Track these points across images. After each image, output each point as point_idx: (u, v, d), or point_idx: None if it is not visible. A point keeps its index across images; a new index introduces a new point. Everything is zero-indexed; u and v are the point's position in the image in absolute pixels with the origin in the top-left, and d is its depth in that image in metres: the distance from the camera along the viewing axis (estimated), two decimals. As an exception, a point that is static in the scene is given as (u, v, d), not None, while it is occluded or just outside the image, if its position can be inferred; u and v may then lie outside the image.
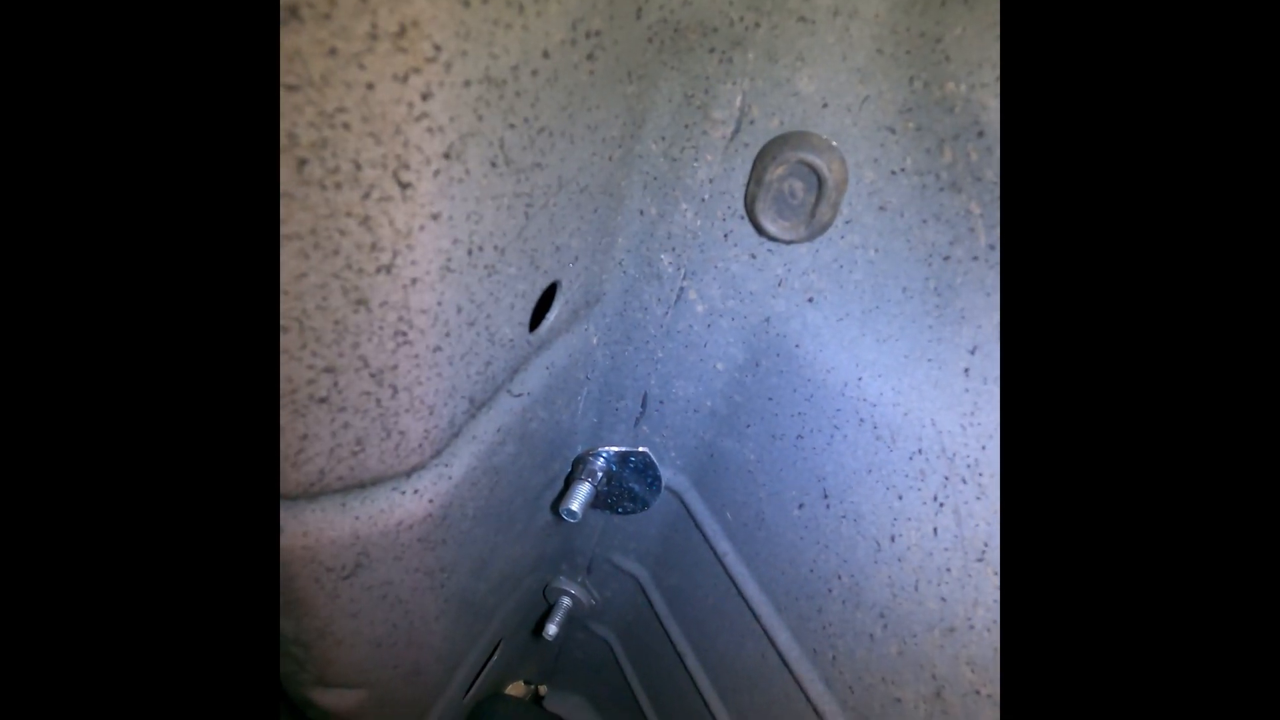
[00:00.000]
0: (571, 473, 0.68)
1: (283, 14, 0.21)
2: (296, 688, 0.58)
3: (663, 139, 0.45)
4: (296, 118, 0.23)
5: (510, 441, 0.52)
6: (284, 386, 0.31)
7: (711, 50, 0.41)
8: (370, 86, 0.23)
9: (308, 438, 0.33)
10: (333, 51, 0.22)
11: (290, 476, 0.35)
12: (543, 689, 1.15)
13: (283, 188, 0.24)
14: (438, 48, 0.24)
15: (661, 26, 0.39)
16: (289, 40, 0.21)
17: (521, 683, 1.13)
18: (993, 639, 0.41)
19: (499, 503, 0.57)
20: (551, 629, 0.85)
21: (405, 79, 0.24)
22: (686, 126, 0.44)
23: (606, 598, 0.88)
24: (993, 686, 0.41)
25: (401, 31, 0.23)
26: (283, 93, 0.22)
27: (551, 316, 0.48)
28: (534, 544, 0.74)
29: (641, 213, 0.49)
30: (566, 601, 0.88)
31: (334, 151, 0.24)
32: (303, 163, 0.24)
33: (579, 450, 0.68)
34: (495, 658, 0.89)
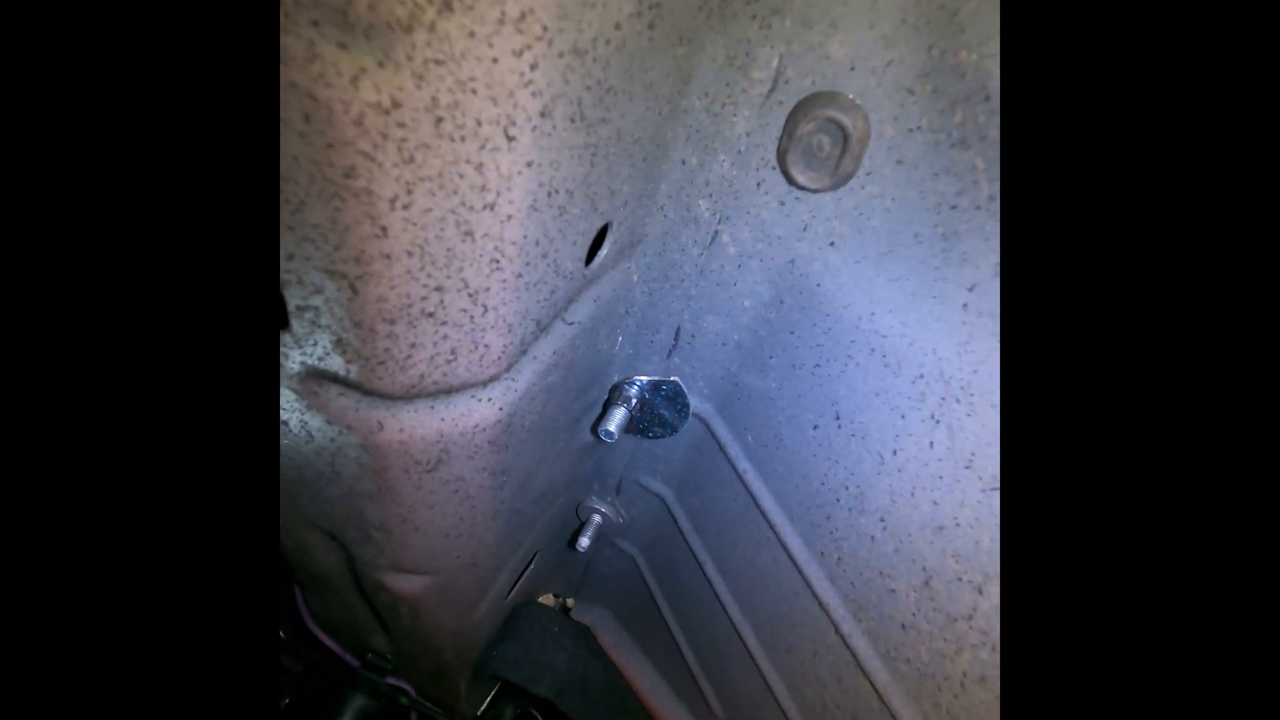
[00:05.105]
0: (609, 399, 0.76)
1: (438, 6, 0.27)
2: (372, 572, 0.68)
3: (706, 95, 0.51)
4: (439, 85, 0.29)
5: (561, 365, 0.59)
6: (402, 301, 0.38)
7: (753, 17, 0.46)
8: (495, 60, 0.29)
9: (415, 346, 0.41)
10: (471, 34, 0.28)
11: (397, 379, 0.43)
12: (570, 601, 1.26)
13: (422, 140, 0.31)
14: (545, 28, 0.30)
15: (711, -4, 0.44)
16: (442, 25, 0.27)
17: (551, 595, 1.24)
18: (974, 534, 0.48)
19: (548, 419, 0.65)
20: (584, 541, 0.94)
21: (520, 54, 0.30)
22: (728, 85, 0.50)
23: (633, 516, 0.97)
24: (972, 574, 0.49)
25: (522, 16, 0.29)
26: (429, 66, 0.29)
27: (603, 254, 0.54)
28: (571, 464, 0.82)
29: (683, 162, 0.55)
30: (597, 519, 0.97)
31: (463, 111, 0.30)
32: (439, 120, 0.30)
33: (615, 379, 0.75)
34: (531, 567, 0.99)
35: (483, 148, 0.32)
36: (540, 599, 1.22)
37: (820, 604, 0.65)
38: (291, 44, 0.27)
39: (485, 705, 1.24)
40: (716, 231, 0.59)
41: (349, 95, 0.29)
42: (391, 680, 1.05)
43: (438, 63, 0.28)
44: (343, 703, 1.10)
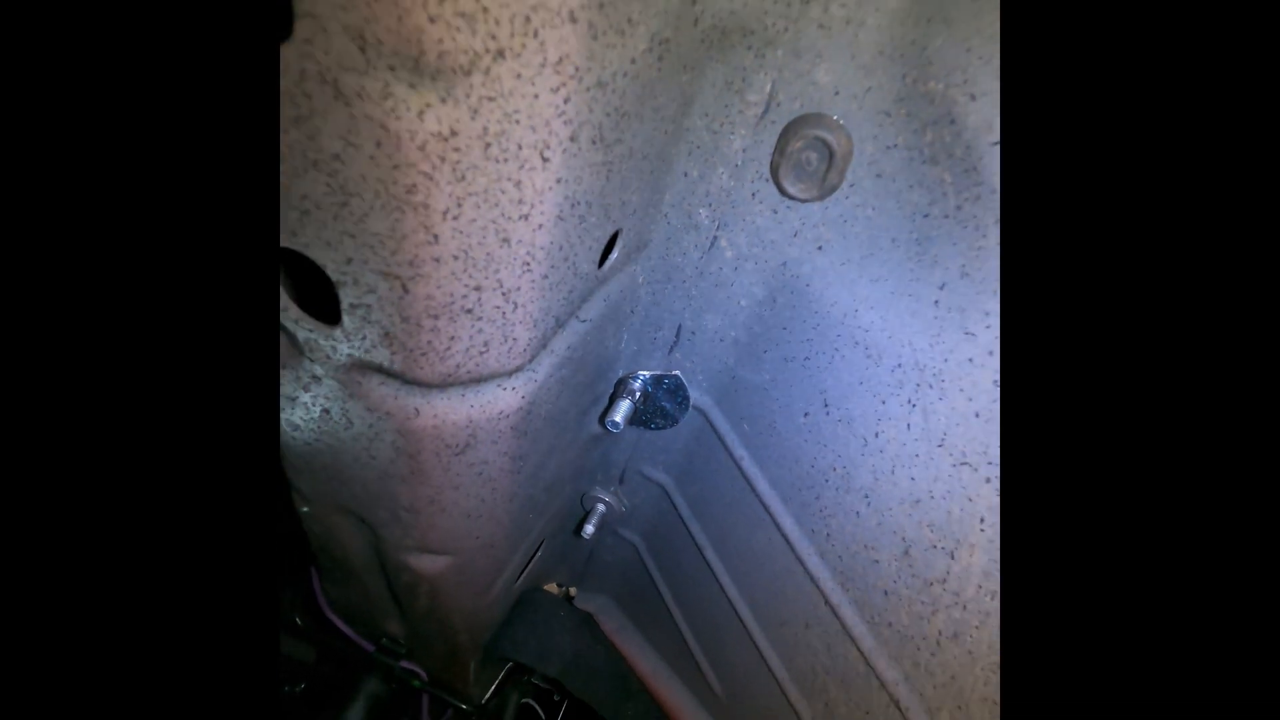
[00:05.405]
0: (614, 392, 0.82)
1: (493, 54, 0.33)
2: (398, 553, 0.73)
3: (706, 116, 0.57)
4: (490, 117, 0.35)
5: (574, 359, 0.65)
6: (446, 299, 0.43)
7: (749, 48, 0.52)
8: (536, 96, 0.35)
9: (454, 339, 0.46)
10: (519, 75, 0.34)
11: (437, 369, 0.48)
12: (573, 591, 1.31)
13: (472, 161, 0.36)
14: (576, 68, 0.36)
15: (712, 30, 0.50)
16: (495, 69, 0.33)
17: (555, 585, 1.30)
18: (946, 505, 0.54)
19: (560, 411, 0.70)
20: (589, 529, 1.00)
21: (557, 90, 0.36)
22: (726, 107, 0.56)
23: (635, 504, 1.02)
24: (945, 541, 0.55)
25: (560, 60, 0.34)
26: (482, 102, 0.34)
27: (613, 257, 0.60)
28: (578, 454, 0.88)
29: (685, 174, 0.61)
30: (601, 507, 1.03)
31: (508, 138, 0.36)
32: (488, 145, 0.36)
33: (621, 373, 0.81)
34: (539, 554, 1.05)
35: (522, 168, 0.38)
36: (545, 588, 1.27)
37: (811, 578, 0.71)
38: (369, 84, 0.33)
39: (491, 691, 1.29)
40: (715, 237, 0.64)
41: (415, 126, 0.34)
42: (405, 664, 1.10)
43: (490, 99, 0.34)
44: (356, 687, 1.15)
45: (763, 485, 0.75)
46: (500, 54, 0.33)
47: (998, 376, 0.49)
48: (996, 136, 0.45)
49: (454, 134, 0.35)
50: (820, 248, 0.59)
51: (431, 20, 0.30)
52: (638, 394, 0.80)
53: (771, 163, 0.57)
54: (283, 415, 0.61)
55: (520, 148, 0.37)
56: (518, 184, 0.39)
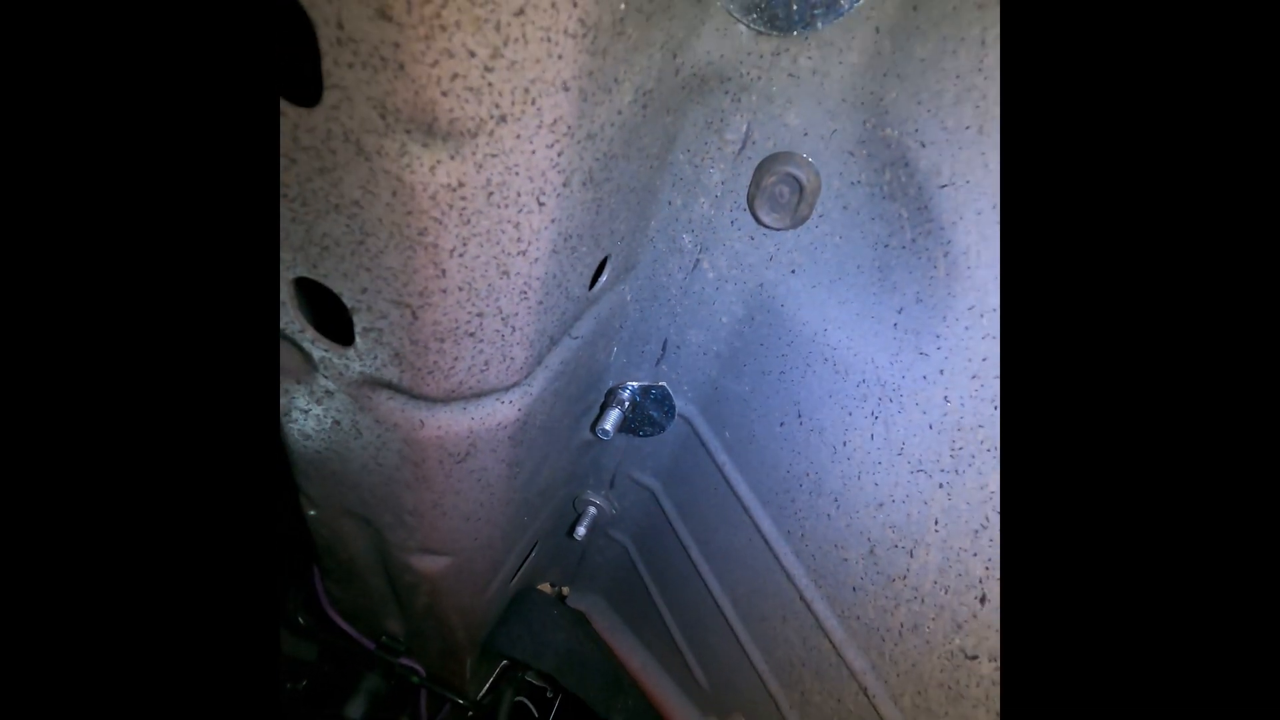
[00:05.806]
0: (605, 402, 0.87)
1: (497, 118, 0.38)
2: (401, 554, 0.78)
3: (689, 152, 0.62)
4: (492, 170, 0.40)
5: (567, 373, 0.70)
6: (451, 324, 0.48)
7: (726, 93, 0.57)
8: (533, 152, 0.40)
9: (458, 359, 0.51)
10: (518, 136, 0.39)
11: (441, 385, 0.53)
12: (566, 590, 1.36)
13: (477, 207, 0.41)
14: (569, 126, 0.41)
15: (692, 79, 0.55)
16: (498, 131, 0.38)
17: (548, 585, 1.35)
18: (906, 508, 0.60)
19: (554, 420, 0.75)
20: (581, 530, 1.05)
21: (551, 146, 0.41)
22: (706, 144, 0.61)
23: (625, 507, 1.07)
24: (905, 541, 0.61)
25: (554, 122, 0.40)
26: (486, 159, 0.39)
27: (603, 280, 0.65)
28: (571, 459, 0.93)
29: (670, 203, 0.66)
30: (593, 510, 1.08)
31: (508, 187, 0.41)
32: (490, 194, 0.41)
33: (611, 384, 0.86)
34: (533, 555, 1.09)
35: (520, 211, 0.43)
36: (539, 587, 1.32)
37: (787, 575, 0.76)
38: (388, 144, 0.38)
39: (487, 687, 1.33)
40: (698, 260, 0.70)
41: (427, 179, 0.39)
42: (404, 661, 1.15)
43: (493, 155, 0.39)
44: (357, 683, 1.19)
45: (743, 489, 0.80)
46: (502, 119, 0.38)
47: (948, 392, 0.54)
48: (944, 180, 0.50)
49: (461, 185, 0.40)
50: (793, 271, 0.65)
51: (444, 94, 0.35)
52: (627, 403, 0.85)
53: (748, 194, 0.62)
54: (296, 425, 0.66)
55: (519, 195, 0.42)
56: (516, 225, 0.44)
